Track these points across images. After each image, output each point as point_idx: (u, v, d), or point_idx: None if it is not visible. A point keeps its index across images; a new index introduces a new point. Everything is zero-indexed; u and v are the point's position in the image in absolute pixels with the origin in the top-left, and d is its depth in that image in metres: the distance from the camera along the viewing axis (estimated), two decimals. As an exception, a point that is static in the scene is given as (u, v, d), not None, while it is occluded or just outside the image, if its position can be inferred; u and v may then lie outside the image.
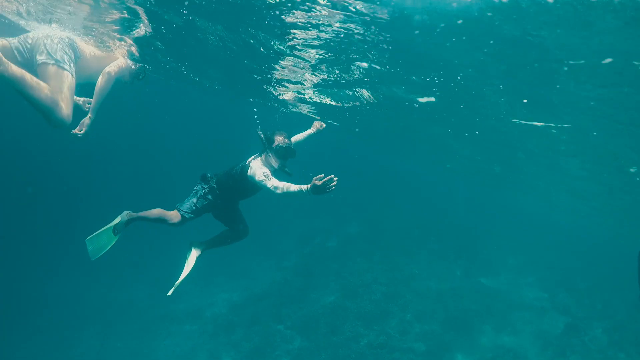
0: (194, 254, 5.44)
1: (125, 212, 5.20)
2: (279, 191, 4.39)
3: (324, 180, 3.86)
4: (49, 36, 4.69)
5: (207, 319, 12.71)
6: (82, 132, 5.09)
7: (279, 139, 5.01)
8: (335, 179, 3.88)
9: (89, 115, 5.19)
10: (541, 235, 22.67)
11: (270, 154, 5.00)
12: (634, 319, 12.83)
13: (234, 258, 14.41)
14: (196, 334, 12.12)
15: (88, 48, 5.40)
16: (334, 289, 13.87)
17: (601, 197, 15.28)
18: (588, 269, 17.26)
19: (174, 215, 5.20)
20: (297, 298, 13.42)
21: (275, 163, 4.99)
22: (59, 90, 4.33)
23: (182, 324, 12.42)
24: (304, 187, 4.07)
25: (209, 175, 5.38)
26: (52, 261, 14.30)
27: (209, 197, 5.27)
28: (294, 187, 4.22)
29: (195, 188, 5.41)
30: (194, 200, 5.29)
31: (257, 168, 4.81)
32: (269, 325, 12.31)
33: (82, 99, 5.52)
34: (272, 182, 4.55)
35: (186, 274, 5.30)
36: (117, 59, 5.90)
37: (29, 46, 4.60)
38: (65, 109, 4.29)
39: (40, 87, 4.06)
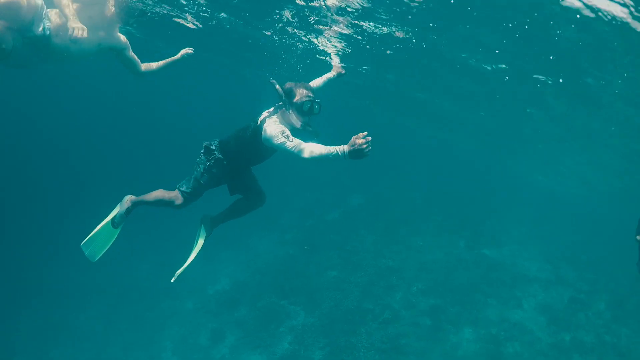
0: (205, 232, 4.88)
1: (126, 198, 4.75)
2: (305, 155, 3.63)
3: (365, 139, 3.25)
4: None
5: (210, 297, 12.62)
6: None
7: (301, 92, 4.15)
8: (369, 138, 3.29)
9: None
10: (544, 207, 22.53)
11: (290, 111, 4.15)
12: (637, 293, 12.79)
13: (235, 233, 14.17)
14: (199, 313, 12.03)
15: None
16: (337, 263, 13.75)
17: (611, 167, 15.03)
18: (591, 242, 17.18)
19: (175, 196, 4.60)
20: (300, 272, 13.31)
21: (297, 122, 4.13)
22: None
23: (184, 302, 12.32)
24: (339, 148, 3.39)
25: (212, 146, 4.57)
26: (53, 244, 14.09)
27: (214, 170, 4.52)
28: (325, 149, 3.50)
29: (197, 161, 4.66)
30: (197, 176, 4.57)
31: (274, 128, 3.97)
32: (273, 301, 12.23)
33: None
34: (296, 144, 3.75)
35: (194, 256, 4.78)
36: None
37: None
38: None
39: None
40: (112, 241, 4.84)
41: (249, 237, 15.32)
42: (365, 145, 3.27)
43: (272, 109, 4.26)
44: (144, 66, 5.22)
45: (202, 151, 4.61)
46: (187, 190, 4.57)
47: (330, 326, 11.19)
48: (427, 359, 10.16)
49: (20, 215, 16.19)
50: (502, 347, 10.53)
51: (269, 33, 9.56)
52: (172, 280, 4.68)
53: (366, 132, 3.28)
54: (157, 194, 4.65)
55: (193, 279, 13.18)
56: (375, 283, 12.71)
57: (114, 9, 4.63)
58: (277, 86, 4.17)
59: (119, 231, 4.84)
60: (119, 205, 4.81)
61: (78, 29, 3.99)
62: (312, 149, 3.62)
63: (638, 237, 6.11)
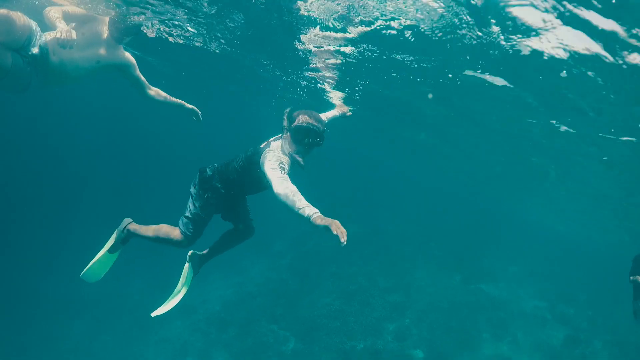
0: (192, 271, 4.55)
1: (125, 222, 4.48)
2: (281, 193, 3.19)
3: (340, 231, 2.78)
4: None
5: (200, 316, 12.33)
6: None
7: (303, 118, 3.70)
8: (345, 239, 2.80)
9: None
10: (541, 244, 22.43)
11: (286, 135, 3.76)
12: (635, 334, 12.54)
13: (228, 255, 13.95)
14: (187, 331, 11.72)
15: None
16: (330, 291, 13.51)
17: (607, 204, 15.05)
18: (588, 280, 17.01)
19: (178, 236, 4.21)
20: (292, 298, 13.06)
21: (289, 148, 3.72)
22: None
23: (173, 320, 12.01)
24: (313, 211, 2.99)
25: (209, 172, 4.12)
26: (43, 256, 13.91)
27: (213, 201, 4.11)
28: (301, 202, 3.07)
29: (193, 193, 4.20)
30: (197, 211, 4.14)
31: (273, 154, 3.61)
32: (263, 325, 11.95)
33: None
34: (281, 177, 3.35)
35: (179, 299, 4.44)
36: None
37: None
38: None
39: None
40: (112, 264, 4.69)
41: (241, 260, 15.12)
42: (339, 236, 2.80)
43: (278, 136, 3.94)
44: (154, 91, 5.10)
45: (197, 180, 4.19)
46: (190, 231, 4.17)
47: (320, 355, 10.88)
48: (418, 392, 9.85)
49: (12, 231, 16.02)
50: (496, 383, 10.23)
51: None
52: (152, 315, 4.43)
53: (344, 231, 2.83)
54: (160, 230, 4.28)
55: (183, 298, 12.90)
56: (368, 313, 12.45)
57: (107, 27, 4.63)
58: (286, 112, 3.86)
59: (117, 255, 4.68)
60: (115, 232, 4.58)
61: (64, 31, 3.97)
62: (291, 191, 3.19)
63: (632, 278, 6.07)
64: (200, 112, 5.27)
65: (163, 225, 4.32)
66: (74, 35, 4.05)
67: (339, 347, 11.06)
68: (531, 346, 11.72)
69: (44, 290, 12.68)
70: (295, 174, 3.74)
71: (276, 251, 16.52)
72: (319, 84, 9.59)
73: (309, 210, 2.99)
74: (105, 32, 4.61)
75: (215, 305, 12.87)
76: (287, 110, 3.85)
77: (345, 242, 2.76)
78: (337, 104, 5.67)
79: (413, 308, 12.82)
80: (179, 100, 5.20)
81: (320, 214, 2.95)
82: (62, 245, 15.04)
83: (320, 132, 3.73)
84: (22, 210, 17.35)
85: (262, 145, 3.86)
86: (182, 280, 4.52)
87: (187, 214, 4.18)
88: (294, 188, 3.22)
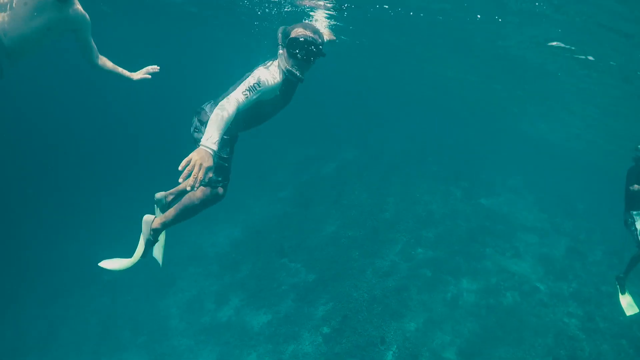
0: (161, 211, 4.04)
1: (146, 224, 3.82)
2: (223, 113, 2.96)
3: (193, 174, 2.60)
4: None
5: (211, 259, 12.62)
6: None
7: (299, 31, 3.44)
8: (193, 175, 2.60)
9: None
10: (539, 157, 22.60)
11: (282, 51, 3.48)
12: (630, 243, 12.97)
13: (230, 194, 14.00)
14: (201, 277, 12.06)
15: None
16: (334, 218, 13.74)
17: (602, 112, 14.87)
18: (586, 191, 17.32)
19: (204, 192, 3.61)
20: (298, 230, 13.30)
21: (284, 64, 3.45)
22: None
23: (186, 267, 12.31)
24: (212, 144, 2.76)
25: (208, 111, 3.59)
26: (56, 221, 13.90)
27: (226, 136, 3.59)
28: (217, 132, 2.86)
29: (196, 137, 3.63)
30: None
31: (255, 73, 3.33)
32: (273, 260, 12.27)
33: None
34: (238, 98, 3.12)
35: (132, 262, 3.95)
36: None
37: None
38: None
39: None
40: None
41: (244, 197, 15.18)
42: (201, 170, 2.63)
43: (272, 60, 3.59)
44: (101, 59, 4.62)
45: (196, 124, 3.65)
46: (219, 177, 3.60)
47: (332, 281, 11.29)
48: (428, 310, 10.35)
49: (26, 198, 15.90)
50: (501, 297, 10.76)
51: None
52: (100, 264, 3.93)
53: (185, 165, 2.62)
54: (184, 203, 3.66)
55: (193, 243, 13.15)
56: (372, 236, 12.75)
57: None
58: (281, 28, 3.57)
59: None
60: (142, 238, 3.94)
61: None
62: (228, 118, 2.98)
63: (631, 188, 5.95)
64: (156, 68, 4.78)
65: (186, 197, 3.69)
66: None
67: (349, 274, 11.44)
68: (533, 258, 12.19)
69: (56, 258, 12.84)
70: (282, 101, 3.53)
71: (277, 182, 16.55)
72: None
73: (204, 139, 2.81)
74: None
75: (224, 246, 13.13)
76: (282, 27, 3.61)
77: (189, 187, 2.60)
78: (325, 32, 5.32)
79: (416, 227, 13.11)
80: (125, 73, 4.73)
81: (207, 149, 2.75)
82: (71, 210, 15.06)
83: (318, 44, 3.46)
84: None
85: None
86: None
87: None
88: (225, 115, 2.98)
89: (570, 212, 14.78)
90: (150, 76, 4.77)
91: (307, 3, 8.79)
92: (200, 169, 2.63)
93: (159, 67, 4.82)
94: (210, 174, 2.70)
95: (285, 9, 9.26)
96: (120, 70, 4.71)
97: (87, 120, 24.98)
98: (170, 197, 4.18)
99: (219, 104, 3.09)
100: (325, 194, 15.08)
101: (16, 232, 13.88)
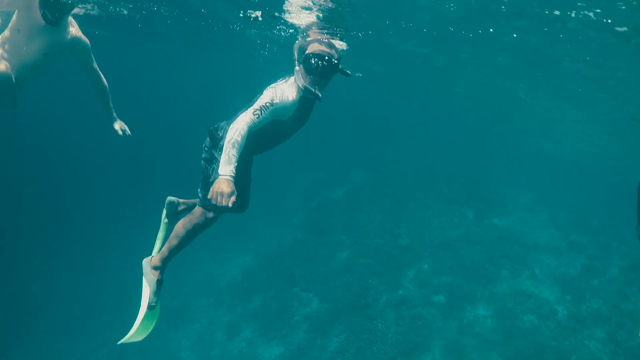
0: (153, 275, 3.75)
1: (149, 268, 3.70)
2: (234, 137, 2.91)
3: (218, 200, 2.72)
4: None
5: (222, 289, 12.57)
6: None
7: (315, 47, 3.36)
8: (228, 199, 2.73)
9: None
10: (549, 172, 22.33)
11: (299, 67, 3.39)
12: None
13: (241, 220, 14.00)
14: (212, 307, 12.00)
15: None
16: (346, 244, 13.62)
17: (612, 126, 14.69)
18: (599, 205, 16.99)
19: (200, 214, 3.55)
20: (309, 257, 13.20)
21: (301, 81, 3.35)
22: None
23: (197, 298, 12.26)
24: (229, 172, 2.83)
25: (219, 131, 3.47)
26: (66, 251, 14.00)
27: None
28: (233, 158, 2.87)
29: (205, 158, 3.57)
30: (211, 174, 3.48)
31: (268, 92, 3.23)
32: (285, 288, 12.17)
33: None
34: (247, 120, 3.03)
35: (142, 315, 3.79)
36: None
37: None
38: None
39: None
40: (156, 320, 3.93)
41: (255, 224, 15.16)
42: (223, 199, 2.72)
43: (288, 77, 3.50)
44: (101, 85, 4.64)
45: (207, 143, 3.54)
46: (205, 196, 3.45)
47: (345, 311, 11.13)
48: (444, 338, 10.14)
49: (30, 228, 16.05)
50: (518, 321, 10.50)
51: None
52: (120, 342, 3.88)
53: (233, 198, 2.75)
54: (180, 228, 3.59)
55: (203, 272, 13.11)
56: (386, 263, 12.59)
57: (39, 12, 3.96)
58: (296, 43, 3.48)
59: (158, 310, 3.89)
60: (144, 279, 3.75)
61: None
62: (240, 141, 2.94)
63: None
64: (127, 132, 4.74)
65: (180, 222, 3.63)
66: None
67: (362, 302, 11.29)
68: (549, 279, 11.92)
69: (68, 297, 12.84)
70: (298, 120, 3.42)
71: (287, 208, 16.53)
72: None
73: (219, 169, 2.86)
74: (40, 18, 3.97)
75: (236, 275, 13.08)
76: (297, 41, 3.61)
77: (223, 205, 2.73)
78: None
79: (429, 252, 12.93)
80: (113, 113, 4.72)
81: (223, 177, 2.82)
82: (82, 237, 15.13)
83: (335, 59, 3.38)
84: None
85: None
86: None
87: (206, 185, 3.51)
88: (236, 138, 2.93)
89: (585, 228, 14.48)
90: (120, 132, 4.72)
91: (313, 36, 8.87)
92: (222, 197, 2.73)
93: (131, 134, 4.79)
94: (234, 198, 2.76)
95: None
96: (109, 107, 4.70)
97: (98, 145, 25.31)
98: (182, 207, 4.03)
99: (230, 126, 3.03)
100: (337, 220, 14.97)
101: (25, 263, 13.92)
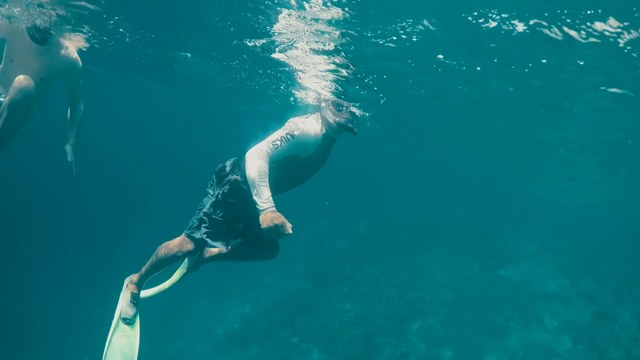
0: (188, 263, 3.92)
1: (127, 282, 3.66)
2: (257, 162, 2.85)
3: (285, 230, 2.78)
4: None
5: (219, 337, 12.17)
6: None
7: (345, 115, 3.42)
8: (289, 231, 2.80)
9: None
10: (554, 219, 22.09)
11: (325, 104, 3.43)
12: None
13: (241, 268, 13.82)
14: (209, 353, 11.56)
15: None
16: (349, 296, 13.25)
17: (616, 174, 14.65)
18: (606, 251, 16.66)
19: (180, 243, 3.38)
20: (311, 307, 12.83)
21: (332, 117, 3.32)
22: None
23: (193, 344, 11.85)
24: (269, 203, 2.82)
25: (228, 167, 3.33)
26: (66, 278, 13.79)
27: (232, 200, 3.27)
28: (264, 187, 2.83)
29: (208, 191, 3.42)
30: (210, 209, 3.31)
31: (289, 124, 3.14)
32: (285, 339, 11.75)
33: None
34: (270, 147, 2.95)
35: (165, 287, 4.00)
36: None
37: None
38: None
39: None
40: (138, 339, 3.70)
41: (255, 271, 14.94)
42: (283, 229, 2.79)
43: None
44: (76, 112, 4.65)
45: (214, 178, 3.41)
46: (197, 230, 3.34)
47: (345, 363, 10.66)
48: (451, 392, 9.62)
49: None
50: (528, 374, 9.99)
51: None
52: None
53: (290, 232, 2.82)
54: (159, 252, 3.49)
55: (201, 318, 12.78)
56: (389, 315, 12.17)
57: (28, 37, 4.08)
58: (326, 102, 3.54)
59: (137, 322, 3.68)
60: (121, 296, 3.67)
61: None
62: (264, 170, 2.87)
63: None
64: (70, 166, 4.61)
65: (161, 247, 3.50)
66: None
67: (365, 355, 10.83)
68: (559, 329, 11.46)
69: (64, 328, 12.52)
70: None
71: (289, 257, 16.29)
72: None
73: (265, 203, 2.86)
74: (31, 43, 4.06)
75: (234, 323, 12.71)
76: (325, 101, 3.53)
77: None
78: None
79: (435, 304, 12.52)
80: (72, 140, 4.63)
81: (264, 212, 2.85)
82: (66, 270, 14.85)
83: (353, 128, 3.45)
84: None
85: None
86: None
87: (200, 216, 3.37)
88: (265, 166, 2.89)
89: (593, 275, 14.08)
90: (68, 158, 4.60)
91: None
92: (284, 228, 2.76)
93: (74, 176, 4.67)
94: (290, 226, 2.78)
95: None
96: (73, 134, 4.64)
97: (104, 182, 25.58)
98: (208, 254, 3.91)
99: (248, 154, 2.92)
100: (339, 270, 14.70)
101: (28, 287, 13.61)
